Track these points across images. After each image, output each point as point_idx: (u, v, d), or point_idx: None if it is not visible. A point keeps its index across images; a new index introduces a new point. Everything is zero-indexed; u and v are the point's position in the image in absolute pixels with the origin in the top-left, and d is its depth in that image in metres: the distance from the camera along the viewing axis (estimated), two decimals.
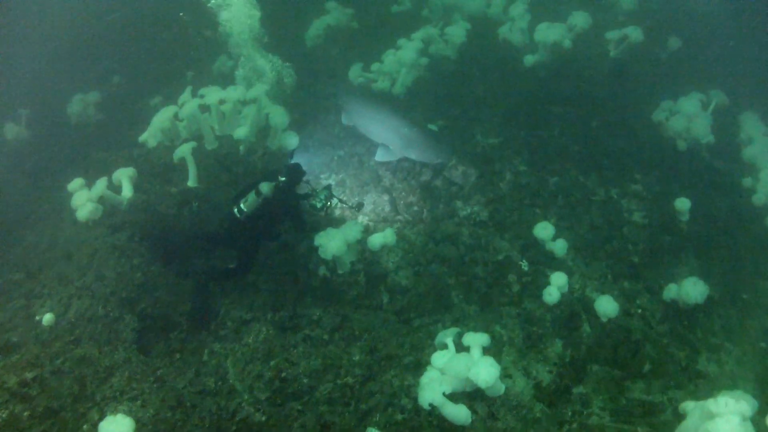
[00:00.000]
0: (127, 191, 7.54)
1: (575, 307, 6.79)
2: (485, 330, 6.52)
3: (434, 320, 6.71)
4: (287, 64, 9.17)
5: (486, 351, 5.99)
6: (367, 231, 7.56)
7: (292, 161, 7.56)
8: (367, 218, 7.91)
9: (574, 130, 8.94)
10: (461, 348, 5.76)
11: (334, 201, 7.20)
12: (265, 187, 6.70)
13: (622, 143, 8.91)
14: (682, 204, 7.78)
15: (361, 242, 7.18)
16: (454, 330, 5.99)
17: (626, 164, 8.63)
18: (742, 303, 7.32)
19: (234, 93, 8.08)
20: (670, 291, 6.96)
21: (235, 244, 7.05)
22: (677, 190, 8.27)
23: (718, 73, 9.68)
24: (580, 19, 9.16)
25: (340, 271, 7.09)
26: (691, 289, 6.73)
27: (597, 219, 7.88)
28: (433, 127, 8.75)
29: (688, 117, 8.61)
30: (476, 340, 5.69)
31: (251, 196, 6.73)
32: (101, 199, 7.31)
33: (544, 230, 7.19)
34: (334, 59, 10.31)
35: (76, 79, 11.46)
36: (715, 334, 6.88)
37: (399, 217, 7.89)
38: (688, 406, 5.19)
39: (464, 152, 8.48)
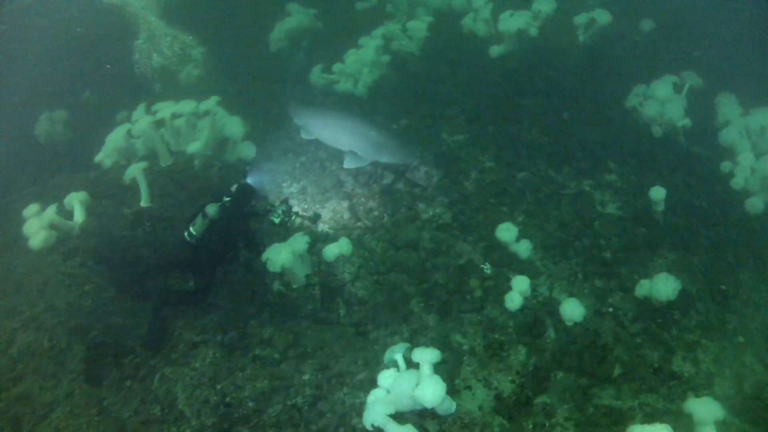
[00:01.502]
0: (78, 216, 7.39)
1: (539, 312, 6.49)
2: (444, 340, 6.30)
3: (391, 332, 6.44)
4: (191, 36, 9.08)
5: (444, 363, 5.76)
6: (327, 239, 7.33)
7: (248, 178, 7.38)
8: (327, 226, 7.66)
9: (545, 121, 8.61)
10: (413, 364, 5.51)
11: (293, 216, 7.07)
12: (211, 209, 6.57)
13: (596, 132, 8.57)
14: (657, 193, 7.42)
15: (317, 253, 6.98)
16: (404, 345, 5.71)
17: (600, 154, 8.30)
18: (721, 296, 6.99)
19: (187, 106, 7.92)
20: (643, 288, 6.62)
21: (190, 268, 6.94)
22: (654, 179, 7.94)
23: (694, 54, 9.28)
24: (544, 5, 8.80)
25: (294, 286, 6.87)
26: (662, 286, 6.41)
27: (567, 215, 7.56)
28: (393, 126, 8.49)
29: (661, 101, 8.25)
30: (425, 356, 5.41)
31: (199, 219, 6.61)
32: (53, 226, 7.19)
33: (506, 232, 6.87)
34: (298, 62, 10.07)
35: (45, 96, 11.30)
36: (692, 331, 6.55)
37: (359, 224, 7.62)
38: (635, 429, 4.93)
39: (428, 151, 8.19)
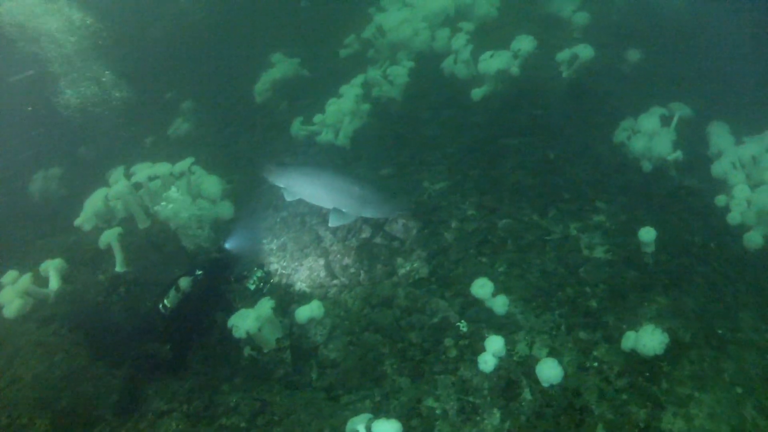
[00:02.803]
0: (54, 283, 7.39)
1: (514, 372, 6.17)
2: (416, 404, 6.04)
3: (362, 396, 6.22)
4: (109, 73, 9.25)
5: (414, 430, 5.51)
6: (303, 299, 7.18)
7: (226, 242, 7.44)
8: (304, 285, 7.49)
9: (530, 162, 8.34)
10: None
11: (267, 283, 7.08)
12: (183, 282, 6.65)
13: (584, 171, 8.25)
14: (647, 234, 7.05)
15: (291, 315, 6.83)
16: (366, 416, 5.48)
17: (588, 194, 7.97)
18: (718, 341, 6.56)
19: (163, 168, 7.91)
20: (628, 340, 6.26)
21: (165, 335, 6.91)
22: (645, 216, 7.58)
23: (684, 83, 8.93)
24: (524, 44, 8.59)
25: (265, 350, 6.71)
26: (648, 340, 6.02)
27: (551, 262, 7.23)
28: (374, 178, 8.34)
29: (649, 135, 7.92)
30: (385, 429, 5.18)
31: (171, 292, 6.63)
32: (28, 294, 7.20)
33: (481, 288, 6.56)
34: (281, 113, 10.04)
35: (42, 153, 11.48)
36: (684, 383, 6.13)
37: (335, 282, 7.44)
38: None
39: (410, 202, 7.99)
